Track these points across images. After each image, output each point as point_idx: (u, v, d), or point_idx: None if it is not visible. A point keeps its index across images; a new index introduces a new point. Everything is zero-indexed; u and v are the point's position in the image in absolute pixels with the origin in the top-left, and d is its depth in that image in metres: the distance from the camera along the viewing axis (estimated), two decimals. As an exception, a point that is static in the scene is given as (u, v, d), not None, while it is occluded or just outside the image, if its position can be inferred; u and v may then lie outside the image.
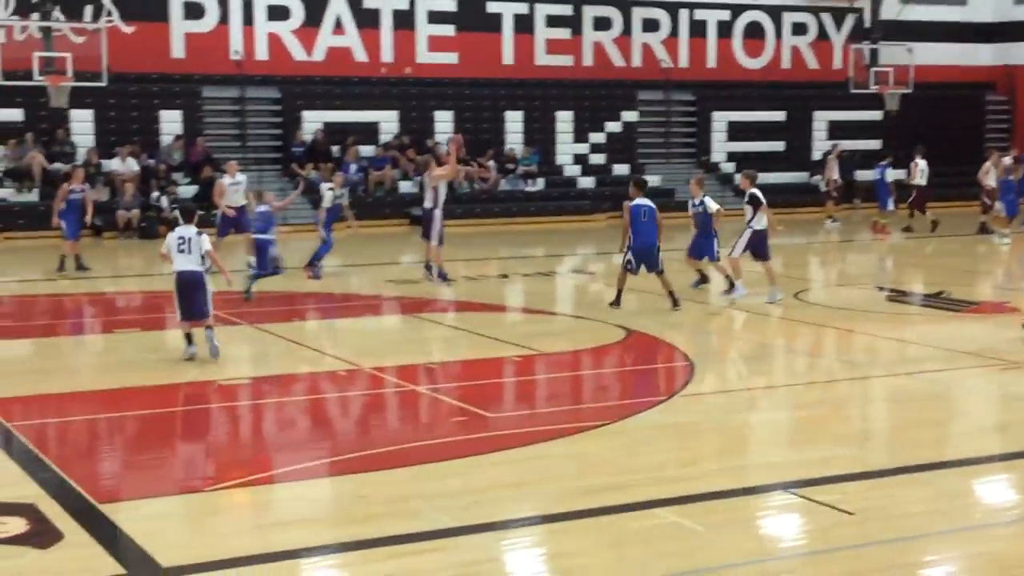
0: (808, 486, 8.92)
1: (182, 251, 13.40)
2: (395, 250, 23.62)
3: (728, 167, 34.95)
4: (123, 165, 28.30)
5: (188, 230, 13.49)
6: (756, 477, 9.47)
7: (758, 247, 17.73)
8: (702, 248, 18.29)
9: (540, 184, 32.50)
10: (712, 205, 18.12)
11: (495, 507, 8.59)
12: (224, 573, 7.25)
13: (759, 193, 17.69)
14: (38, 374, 13.26)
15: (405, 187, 30.56)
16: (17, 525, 7.97)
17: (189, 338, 13.53)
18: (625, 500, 8.61)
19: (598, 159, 33.94)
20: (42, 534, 7.81)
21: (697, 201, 18.26)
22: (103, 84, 27.80)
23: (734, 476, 9.41)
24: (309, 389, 12.75)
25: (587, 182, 33.07)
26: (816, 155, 35.74)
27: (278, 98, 31.45)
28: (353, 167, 30.11)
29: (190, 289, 13.37)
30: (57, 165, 27.85)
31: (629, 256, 16.96)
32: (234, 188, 21.52)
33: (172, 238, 13.54)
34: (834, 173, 31.16)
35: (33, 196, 27.65)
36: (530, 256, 25.18)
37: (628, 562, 7.46)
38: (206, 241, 13.54)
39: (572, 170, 33.53)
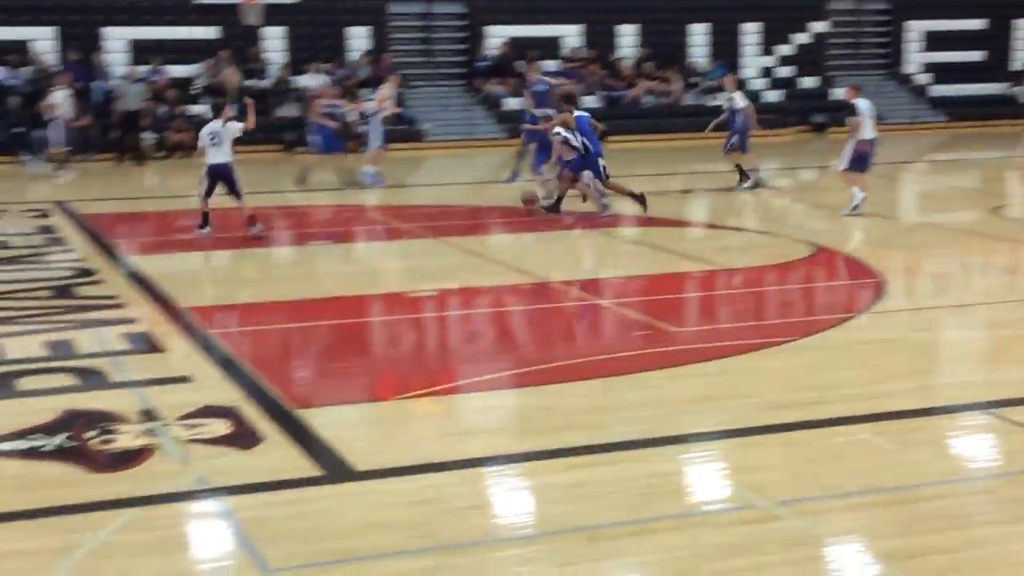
0: (1006, 406, 8.64)
1: (215, 144, 15.39)
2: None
3: (923, 78, 33.77)
4: (313, 81, 28.83)
5: (216, 124, 15.49)
6: (951, 396, 9.21)
7: (861, 159, 17.21)
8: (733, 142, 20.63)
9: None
10: (739, 102, 20.65)
11: (680, 420, 8.57)
12: (413, 478, 7.43)
13: (859, 104, 17.26)
14: (240, 283, 13.74)
15: (588, 102, 30.36)
16: (221, 427, 8.30)
17: (206, 217, 15.68)
18: (813, 416, 8.49)
19: (785, 72, 33.14)
20: (244, 436, 8.12)
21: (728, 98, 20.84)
22: (295, 2, 28.28)
23: (927, 395, 9.17)
24: (494, 302, 12.87)
25: (773, 96, 32.34)
26: (1017, 65, 34.15)
27: (463, 13, 31.53)
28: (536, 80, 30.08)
29: (222, 178, 15.51)
30: (252, 82, 28.59)
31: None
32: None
33: (204, 133, 15.57)
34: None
35: (229, 112, 28.44)
36: (714, 171, 24.81)
37: (816, 479, 7.36)
38: (236, 126, 15.55)
39: (758, 84, 32.82)
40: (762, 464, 7.71)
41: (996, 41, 34.80)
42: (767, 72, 33.12)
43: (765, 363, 10.09)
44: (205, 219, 15.74)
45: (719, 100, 20.97)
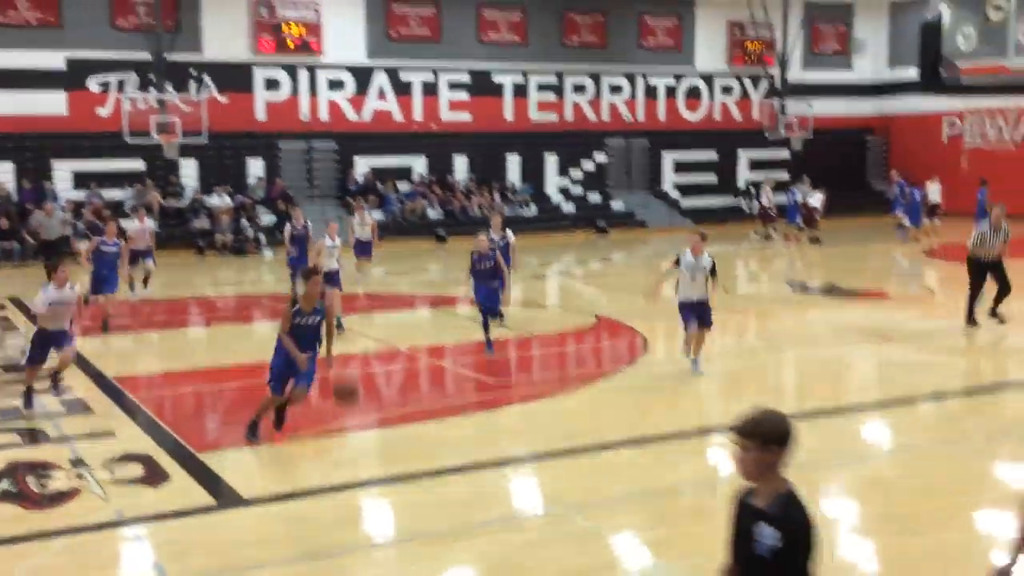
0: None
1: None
2: (424, 261, 23.50)
3: (675, 194, 34.95)
4: (220, 200, 28.28)
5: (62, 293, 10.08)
6: (694, 423, 9.42)
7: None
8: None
9: (533, 209, 32.44)
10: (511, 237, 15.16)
11: (498, 448, 8.56)
12: (292, 503, 7.22)
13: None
14: (153, 357, 13.23)
15: (432, 214, 30.50)
16: (136, 470, 7.95)
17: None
18: (595, 442, 8.57)
19: (577, 190, 33.90)
20: (154, 476, 7.79)
21: (498, 238, 14.83)
22: (204, 140, 27.75)
23: (678, 422, 9.36)
24: (360, 364, 12.68)
25: (569, 207, 33.03)
26: (740, 184, 35.65)
27: (337, 148, 31.38)
28: (393, 198, 30.14)
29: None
30: (171, 201, 27.85)
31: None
32: (331, 251, 15.43)
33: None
34: (762, 199, 30.28)
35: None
36: (526, 264, 25.07)
37: (597, 488, 7.42)
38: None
39: (557, 198, 33.48)
40: (558, 478, 7.74)
41: (725, 166, 36.24)
42: (564, 190, 33.81)
43: (560, 406, 10.17)
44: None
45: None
